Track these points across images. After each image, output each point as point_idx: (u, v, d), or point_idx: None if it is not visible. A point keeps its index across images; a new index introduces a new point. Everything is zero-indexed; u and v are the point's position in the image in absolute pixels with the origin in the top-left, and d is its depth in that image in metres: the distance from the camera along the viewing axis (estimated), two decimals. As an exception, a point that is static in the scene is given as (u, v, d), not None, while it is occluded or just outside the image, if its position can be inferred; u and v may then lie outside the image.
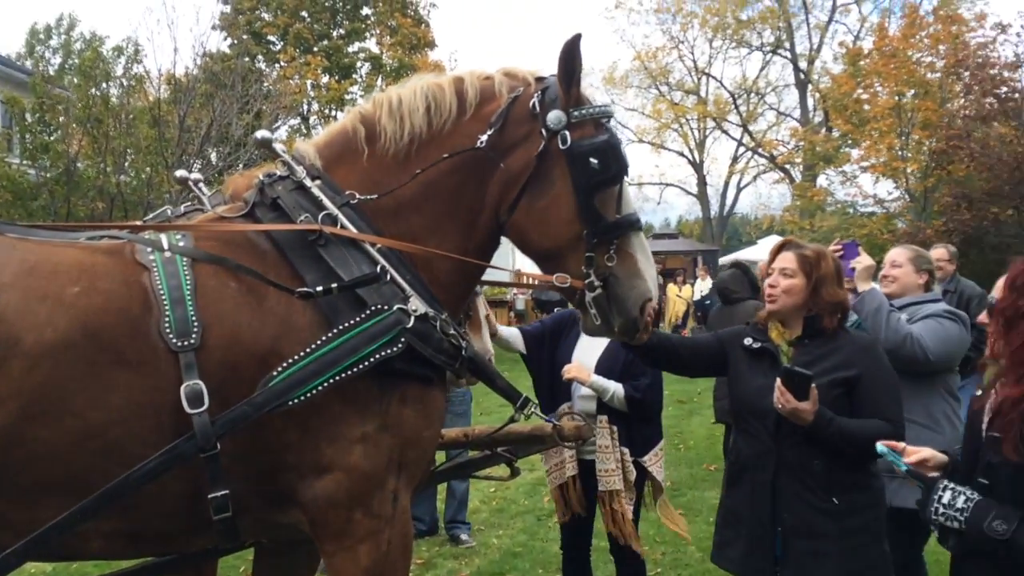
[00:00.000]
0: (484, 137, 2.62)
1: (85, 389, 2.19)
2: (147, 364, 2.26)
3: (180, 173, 3.17)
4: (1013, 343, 2.18)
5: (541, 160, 2.61)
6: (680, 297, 20.65)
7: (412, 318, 2.45)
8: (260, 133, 2.76)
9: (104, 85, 16.70)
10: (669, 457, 9.02)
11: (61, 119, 16.18)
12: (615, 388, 4.09)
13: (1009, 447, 2.12)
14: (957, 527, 2.22)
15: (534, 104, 2.63)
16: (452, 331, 2.57)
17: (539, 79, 2.70)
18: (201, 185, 3.10)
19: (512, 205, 2.65)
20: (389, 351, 2.41)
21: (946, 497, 2.25)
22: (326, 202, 2.54)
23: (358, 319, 2.41)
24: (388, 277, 2.49)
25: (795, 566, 3.05)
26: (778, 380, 2.99)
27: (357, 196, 2.60)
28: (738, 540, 3.21)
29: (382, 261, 2.50)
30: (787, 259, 3.24)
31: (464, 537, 6.17)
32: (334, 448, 2.41)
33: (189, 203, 3.12)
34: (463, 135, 2.65)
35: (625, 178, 2.72)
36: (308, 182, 2.57)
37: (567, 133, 2.59)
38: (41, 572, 5.71)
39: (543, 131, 2.61)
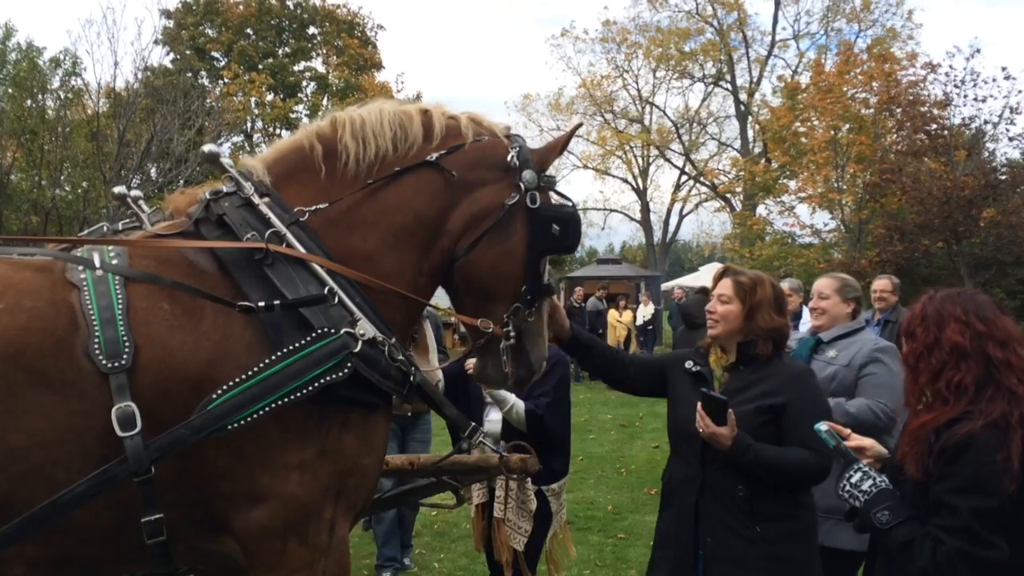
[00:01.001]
0: (435, 156, 2.64)
1: (5, 412, 2.10)
2: (72, 386, 2.17)
3: (118, 189, 3.06)
4: (919, 382, 2.44)
5: (508, 210, 2.69)
6: (620, 322, 20.83)
7: (360, 342, 2.38)
8: (207, 147, 2.68)
9: (40, 97, 16.32)
10: (611, 481, 9.09)
11: (-7, 130, 15.75)
12: (515, 401, 4.04)
13: (912, 466, 2.35)
14: (857, 506, 2.44)
15: (512, 158, 2.71)
16: (400, 356, 2.52)
17: (508, 136, 2.80)
18: (141, 202, 3.02)
19: (473, 244, 2.68)
20: (335, 376, 2.33)
21: (855, 477, 2.46)
22: (274, 220, 2.46)
23: (303, 342, 2.32)
24: (336, 299, 2.42)
25: None
26: (699, 404, 3.03)
27: (306, 212, 2.54)
28: (665, 562, 3.22)
29: (330, 282, 2.43)
30: (725, 286, 3.27)
31: (406, 561, 6.07)
32: (269, 476, 2.34)
33: (127, 220, 3.04)
34: (425, 156, 2.66)
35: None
36: (256, 199, 2.49)
37: (536, 194, 2.72)
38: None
39: (519, 184, 2.70)
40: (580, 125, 2.92)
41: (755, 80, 38.31)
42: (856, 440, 2.61)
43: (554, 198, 2.85)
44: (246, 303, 2.32)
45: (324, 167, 2.61)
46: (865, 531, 2.49)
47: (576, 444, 6.43)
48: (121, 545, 2.32)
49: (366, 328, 2.42)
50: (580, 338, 3.46)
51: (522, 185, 2.70)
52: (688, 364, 3.33)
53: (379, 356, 2.43)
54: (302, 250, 2.45)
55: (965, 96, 20.31)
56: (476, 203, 2.69)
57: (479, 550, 4.53)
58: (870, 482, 2.43)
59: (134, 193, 3.04)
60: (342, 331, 2.37)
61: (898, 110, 21.24)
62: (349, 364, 2.36)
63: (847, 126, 24.30)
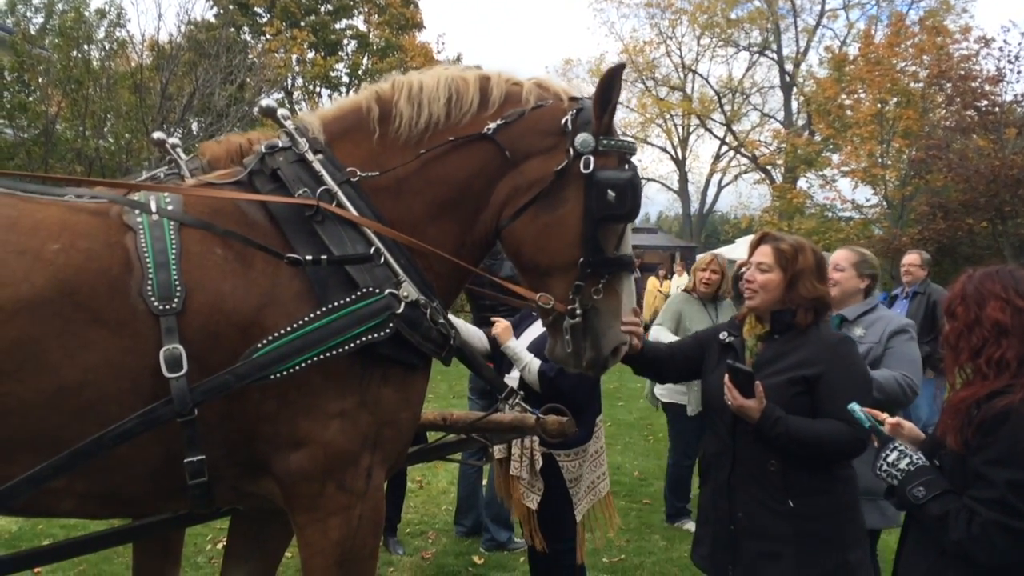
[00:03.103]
0: (492, 125, 2.60)
1: (60, 347, 2.17)
2: (126, 326, 2.24)
3: (158, 135, 3.12)
4: (960, 360, 2.44)
5: (559, 177, 2.59)
6: (660, 292, 20.69)
7: (403, 304, 2.44)
8: (265, 101, 2.72)
9: (85, 48, 16.45)
10: (638, 448, 9.13)
11: (41, 79, 15.92)
12: (530, 359, 4.00)
13: (952, 438, 2.36)
14: (894, 484, 2.45)
15: (567, 121, 2.59)
16: (441, 319, 2.55)
17: (573, 98, 2.68)
18: (179, 149, 3.06)
19: (518, 212, 2.62)
20: (376, 335, 2.39)
21: (892, 456, 2.47)
22: (326, 178, 2.51)
23: (348, 300, 2.38)
24: (382, 259, 2.47)
25: (747, 566, 2.99)
26: (726, 376, 2.97)
27: (358, 173, 2.57)
28: (706, 538, 3.19)
29: (377, 242, 2.48)
30: (764, 253, 3.14)
31: (518, 540, 5.75)
32: (311, 421, 2.40)
33: (166, 167, 3.09)
34: (478, 129, 2.62)
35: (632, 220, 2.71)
36: (310, 155, 2.54)
37: (591, 159, 2.57)
38: (7, 531, 5.68)
39: (569, 150, 2.58)
40: (622, 67, 2.63)
41: (802, 50, 37.65)
42: (894, 422, 2.59)
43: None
44: (294, 255, 2.37)
45: (378, 129, 2.63)
46: (903, 508, 2.49)
47: (605, 411, 6.42)
48: (165, 483, 2.40)
49: (410, 290, 2.47)
50: (647, 354, 3.34)
51: (571, 151, 2.58)
52: (723, 336, 3.26)
53: (421, 318, 2.48)
54: (352, 209, 2.49)
55: (1019, 72, 19.78)
56: (523, 172, 2.63)
57: (509, 507, 4.54)
58: (907, 460, 2.43)
59: (172, 140, 3.08)
60: (386, 292, 2.43)
61: (948, 85, 20.73)
62: (391, 325, 2.41)
63: (894, 100, 23.79)
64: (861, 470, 3.10)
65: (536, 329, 4.21)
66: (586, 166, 2.56)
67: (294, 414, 2.39)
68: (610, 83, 2.58)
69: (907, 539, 2.56)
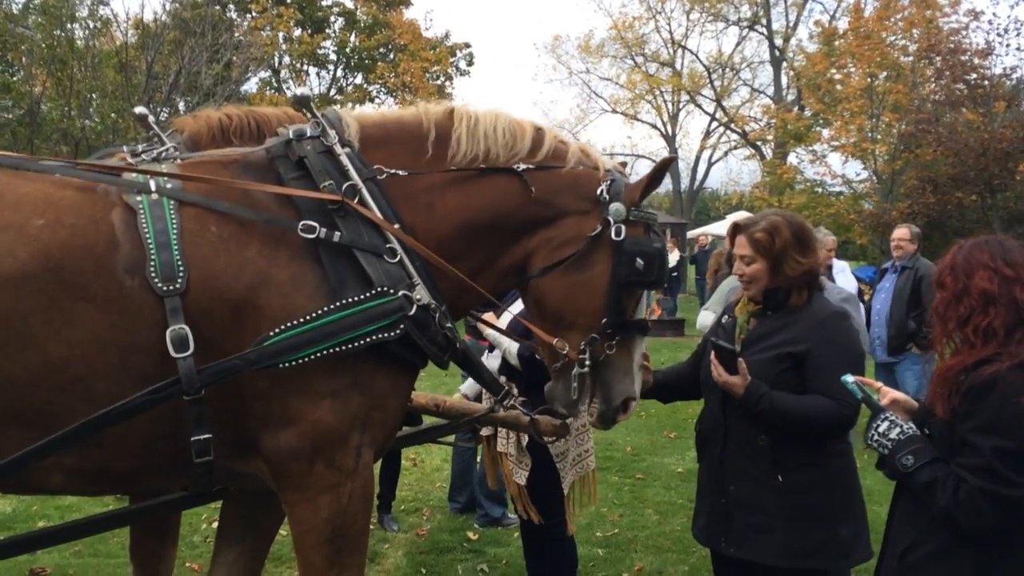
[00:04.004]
0: (523, 167, 2.70)
1: (46, 323, 2.18)
2: (113, 302, 2.24)
3: (140, 109, 3.09)
4: (947, 329, 2.47)
5: (592, 241, 2.71)
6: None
7: (415, 306, 2.47)
8: (300, 90, 2.72)
9: (69, 26, 16.28)
10: (630, 424, 9.13)
11: (24, 59, 15.76)
12: (508, 344, 4.08)
13: (940, 407, 2.38)
14: (884, 454, 2.48)
15: (602, 190, 2.74)
16: (448, 324, 2.59)
17: (607, 169, 2.83)
18: (157, 126, 3.04)
19: (548, 268, 2.73)
20: (386, 335, 2.42)
21: (883, 427, 2.48)
22: (352, 172, 2.52)
23: (363, 297, 2.41)
24: (397, 257, 2.49)
25: (737, 538, 3.03)
26: (711, 353, 3.01)
27: (384, 171, 2.59)
28: (703, 511, 3.23)
29: (394, 242, 2.50)
30: (742, 245, 3.14)
31: (511, 516, 5.69)
32: (301, 400, 2.41)
33: (146, 144, 3.07)
34: (517, 165, 2.71)
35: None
36: (338, 148, 2.56)
37: (623, 227, 2.72)
38: (1, 513, 5.68)
39: (604, 217, 2.72)
40: (673, 159, 2.90)
41: (792, 25, 37.46)
42: (889, 394, 2.60)
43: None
44: (309, 222, 2.40)
45: (431, 150, 2.66)
46: (894, 478, 2.52)
47: (597, 386, 6.52)
48: (154, 460, 2.41)
49: (422, 294, 2.49)
50: (665, 383, 3.45)
51: (609, 219, 2.71)
52: (724, 318, 3.30)
53: (430, 322, 2.51)
54: (374, 207, 2.52)
55: (1008, 45, 19.86)
56: (557, 228, 2.74)
57: (493, 485, 4.59)
58: (897, 430, 2.45)
59: (152, 118, 3.05)
60: (400, 293, 2.44)
61: (938, 58, 20.71)
62: (402, 326, 2.43)
63: (884, 74, 23.78)
64: None
65: (515, 309, 4.25)
66: (618, 234, 2.71)
67: (285, 393, 2.40)
68: (662, 171, 2.81)
69: (897, 508, 2.59)
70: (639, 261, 2.71)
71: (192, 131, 2.72)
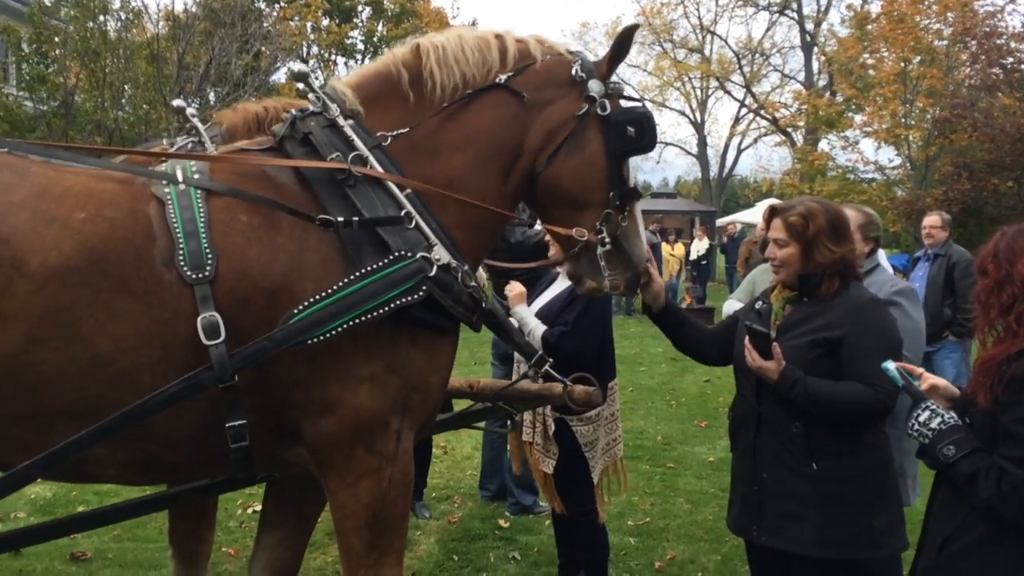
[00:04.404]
0: (504, 76, 2.70)
1: (91, 316, 2.20)
2: (153, 294, 2.26)
3: (177, 102, 3.15)
4: (990, 316, 2.42)
5: (580, 121, 2.74)
6: (673, 256, 20.70)
7: (435, 267, 2.47)
8: (296, 65, 2.75)
9: (101, 18, 16.45)
10: (660, 412, 9.16)
11: (58, 51, 15.96)
12: (535, 325, 4.10)
13: (982, 396, 2.34)
14: (925, 443, 2.44)
15: (576, 71, 2.77)
16: (473, 282, 2.59)
17: (571, 51, 2.87)
18: (196, 119, 3.08)
19: (551, 156, 2.75)
20: (409, 298, 2.41)
21: (923, 416, 2.44)
22: (358, 143, 2.54)
23: (381, 264, 2.41)
24: (413, 223, 2.49)
25: (769, 527, 3.01)
26: (746, 338, 2.99)
27: (388, 136, 2.61)
28: (736, 499, 3.22)
29: (408, 206, 2.51)
30: (776, 228, 3.13)
31: (542, 504, 5.69)
32: (340, 386, 2.42)
33: (185, 135, 3.10)
34: (497, 79, 2.72)
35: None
36: (341, 120, 2.57)
37: (606, 102, 2.77)
38: (42, 498, 5.79)
39: (588, 95, 2.75)
40: (636, 27, 2.92)
41: (823, 9, 36.97)
42: (929, 380, 2.57)
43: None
44: (325, 216, 2.39)
45: (412, 93, 2.67)
46: (935, 467, 2.48)
47: (626, 376, 6.42)
48: (203, 450, 2.44)
49: (441, 254, 2.49)
50: (673, 310, 3.45)
51: (591, 95, 2.75)
52: (758, 304, 3.28)
53: (452, 282, 2.51)
54: (382, 172, 2.52)
55: (1045, 28, 19.35)
56: (549, 119, 2.75)
57: (518, 470, 4.62)
58: (938, 419, 2.41)
59: (191, 110, 3.09)
60: (418, 255, 2.45)
61: (973, 42, 20.36)
62: (424, 288, 2.43)
63: (918, 58, 23.35)
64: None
65: (546, 296, 4.25)
66: (603, 109, 2.76)
67: (324, 378, 2.41)
68: (626, 40, 2.83)
69: (936, 498, 2.56)
70: (630, 129, 2.79)
71: (230, 123, 2.76)
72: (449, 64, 2.68)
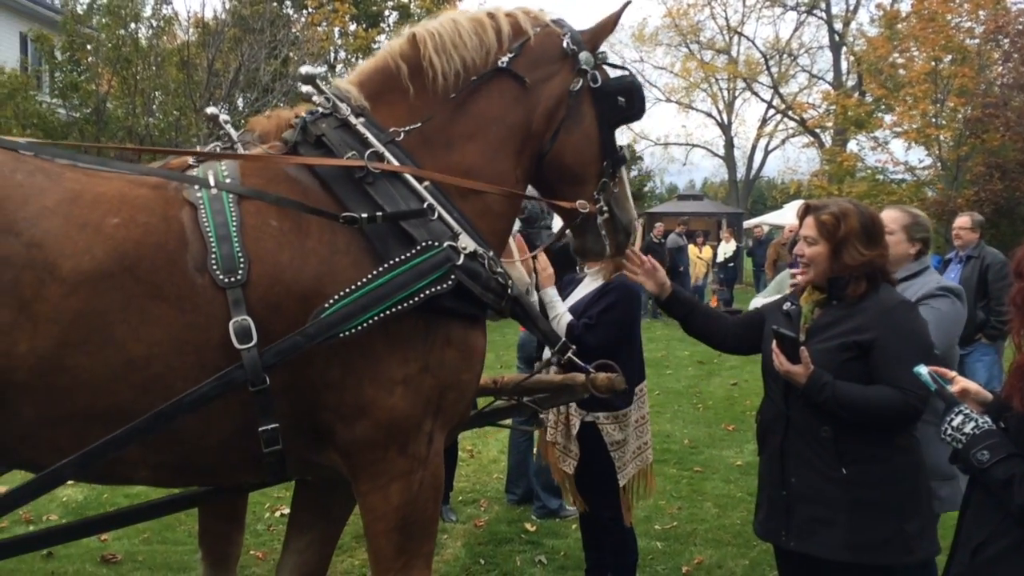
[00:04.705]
0: (506, 59, 2.73)
1: (124, 320, 2.22)
2: (186, 300, 2.27)
3: (211, 109, 3.17)
4: None
5: (575, 96, 2.80)
6: (700, 259, 20.59)
7: (462, 255, 2.47)
8: (305, 68, 2.77)
9: (133, 26, 16.68)
10: (687, 416, 9.11)
11: (90, 59, 16.20)
12: (563, 311, 4.08)
13: (1017, 400, 2.32)
14: (958, 448, 2.40)
15: (567, 43, 2.81)
16: (499, 268, 2.60)
17: (556, 22, 2.88)
18: (229, 125, 3.10)
19: (554, 135, 2.80)
20: (439, 288, 2.41)
21: (956, 420, 2.40)
22: (372, 139, 2.55)
23: (408, 255, 2.41)
24: (436, 214, 2.50)
25: (799, 531, 2.98)
26: (773, 341, 2.96)
27: (401, 132, 2.62)
28: (764, 503, 3.19)
29: (429, 198, 2.51)
30: (808, 225, 3.10)
31: (569, 508, 5.68)
32: (375, 388, 2.42)
33: (218, 143, 3.12)
34: (498, 63, 2.74)
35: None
36: (353, 119, 2.58)
37: (597, 74, 2.83)
38: (73, 500, 5.87)
39: (580, 69, 2.80)
40: (629, 3, 2.98)
41: (852, 8, 36.67)
42: (960, 383, 2.52)
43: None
44: (350, 214, 2.41)
45: (412, 86, 2.67)
46: (968, 472, 2.45)
47: (653, 379, 6.37)
48: (236, 454, 2.45)
49: (467, 242, 2.50)
50: (680, 297, 3.48)
51: (584, 69, 2.80)
52: (786, 306, 3.24)
53: (480, 269, 2.52)
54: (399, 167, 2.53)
55: (1081, 26, 19.03)
56: (549, 98, 2.80)
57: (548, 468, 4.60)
58: (972, 424, 2.37)
59: (224, 116, 3.12)
60: (445, 244, 2.45)
61: (1005, 40, 20.12)
62: (452, 276, 2.44)
63: (949, 57, 23.03)
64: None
65: (574, 298, 4.24)
66: (595, 80, 2.82)
67: (359, 381, 2.42)
68: (616, 17, 2.94)
69: (970, 503, 2.52)
70: (620, 99, 2.85)
71: (263, 130, 2.77)
72: (448, 51, 2.68)
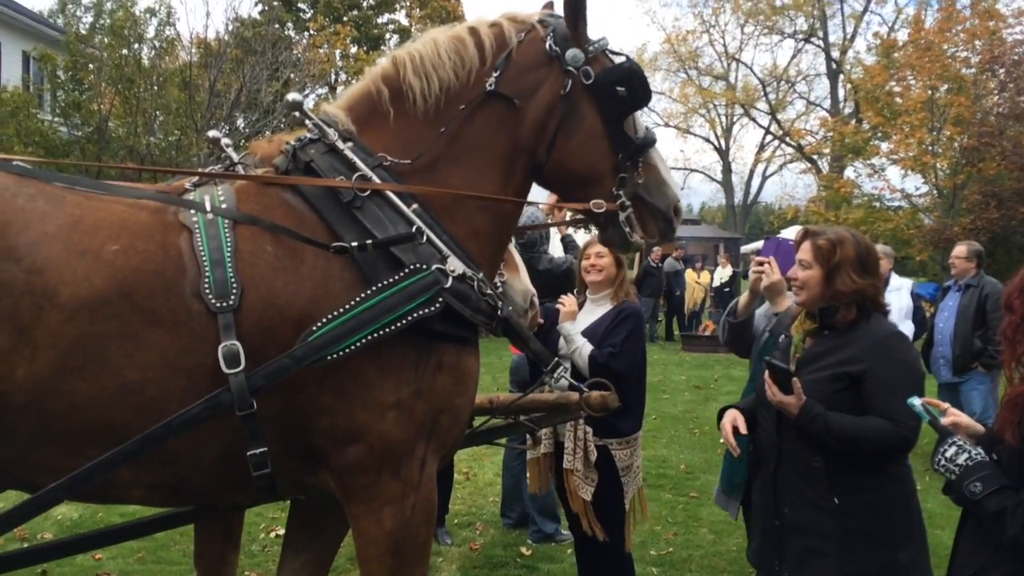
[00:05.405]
0: (492, 79, 2.67)
1: (121, 346, 2.24)
2: (182, 325, 2.29)
3: (212, 133, 3.20)
4: (1016, 352, 2.43)
5: (567, 99, 2.70)
6: (698, 283, 20.62)
7: (450, 278, 2.47)
8: (291, 95, 2.78)
9: (135, 46, 16.79)
10: (683, 441, 9.09)
11: (92, 78, 16.30)
12: (583, 343, 4.07)
13: (1009, 434, 2.35)
14: (952, 479, 2.43)
15: (550, 45, 2.71)
16: (489, 290, 2.60)
17: (541, 22, 2.77)
18: (229, 149, 3.13)
19: (550, 146, 2.73)
20: (427, 310, 2.41)
21: (950, 451, 2.43)
22: (359, 164, 2.55)
23: (396, 278, 2.41)
24: (424, 237, 2.51)
25: (793, 562, 2.98)
26: (766, 372, 2.97)
27: (389, 159, 2.61)
28: (756, 533, 3.19)
29: (418, 222, 2.52)
30: (804, 250, 3.12)
31: (564, 532, 5.69)
32: (367, 413, 2.43)
33: (219, 165, 3.15)
34: (482, 87, 2.68)
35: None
36: (340, 144, 2.58)
37: (588, 69, 2.70)
38: (68, 519, 5.85)
39: (567, 70, 2.70)
40: None
41: (849, 37, 36.99)
42: (953, 416, 2.55)
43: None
44: (340, 243, 2.41)
45: (392, 109, 2.66)
46: (961, 504, 2.47)
47: (649, 403, 6.37)
48: (227, 476, 2.46)
49: (455, 264, 2.50)
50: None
51: (571, 69, 2.70)
52: (781, 338, 3.26)
53: (469, 291, 2.52)
54: (392, 196, 2.53)
55: (1075, 57, 19.19)
56: (537, 109, 2.72)
57: (533, 489, 4.62)
58: (965, 455, 2.39)
59: (225, 140, 3.15)
60: (433, 267, 2.46)
61: (1001, 70, 20.23)
62: (441, 299, 2.44)
63: (945, 86, 23.17)
64: None
65: (587, 319, 4.25)
66: (587, 77, 2.70)
67: (351, 406, 2.43)
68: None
69: (963, 534, 2.53)
70: (619, 89, 2.70)
71: (264, 154, 2.79)
72: (427, 72, 2.65)
